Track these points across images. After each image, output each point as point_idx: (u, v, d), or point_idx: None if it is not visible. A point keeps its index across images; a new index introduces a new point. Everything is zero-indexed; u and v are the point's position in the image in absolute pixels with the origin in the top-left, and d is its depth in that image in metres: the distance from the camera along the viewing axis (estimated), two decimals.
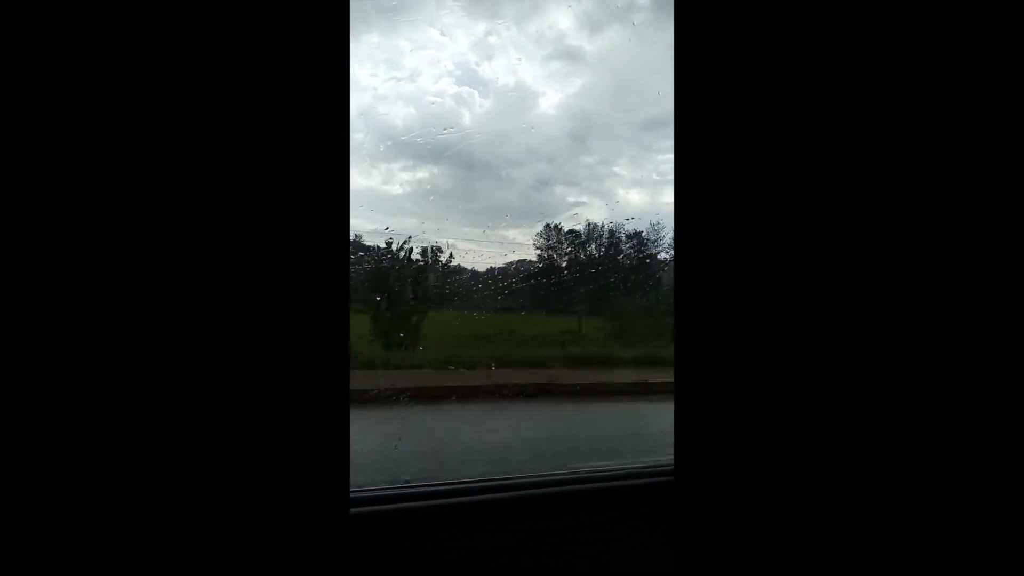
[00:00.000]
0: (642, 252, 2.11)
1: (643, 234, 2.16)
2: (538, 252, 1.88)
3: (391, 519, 0.85)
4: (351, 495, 0.76)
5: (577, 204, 2.00)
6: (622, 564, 0.98)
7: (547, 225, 1.82)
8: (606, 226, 2.07)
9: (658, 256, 2.16)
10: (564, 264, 2.00)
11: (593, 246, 2.13)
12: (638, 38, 1.14)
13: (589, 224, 2.02)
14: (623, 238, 2.15)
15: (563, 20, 1.47)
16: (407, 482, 0.94)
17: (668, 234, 2.17)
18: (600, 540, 0.98)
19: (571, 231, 1.99)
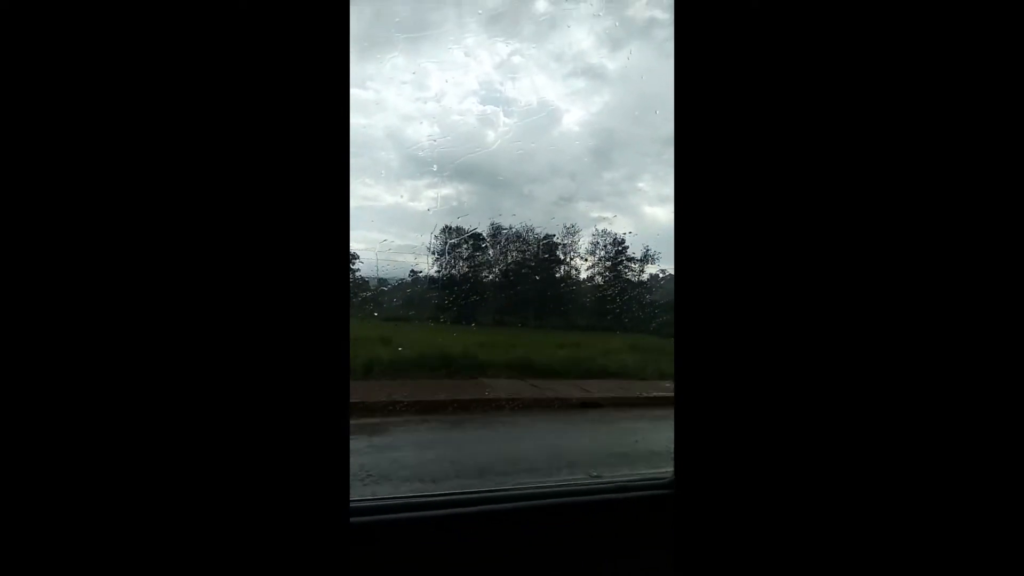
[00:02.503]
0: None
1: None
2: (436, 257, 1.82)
3: (390, 529, 0.86)
4: (351, 505, 0.77)
5: (600, 219, 2.01)
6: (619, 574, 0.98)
7: (446, 228, 1.79)
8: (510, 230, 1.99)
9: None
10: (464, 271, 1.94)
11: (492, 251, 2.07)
12: (659, 53, 1.15)
13: (493, 226, 1.96)
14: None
15: (584, 39, 1.49)
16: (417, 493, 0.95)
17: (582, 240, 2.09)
18: (597, 551, 0.99)
19: (475, 234, 1.96)
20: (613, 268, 2.11)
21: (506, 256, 2.28)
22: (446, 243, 2.04)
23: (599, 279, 2.15)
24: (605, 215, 1.94)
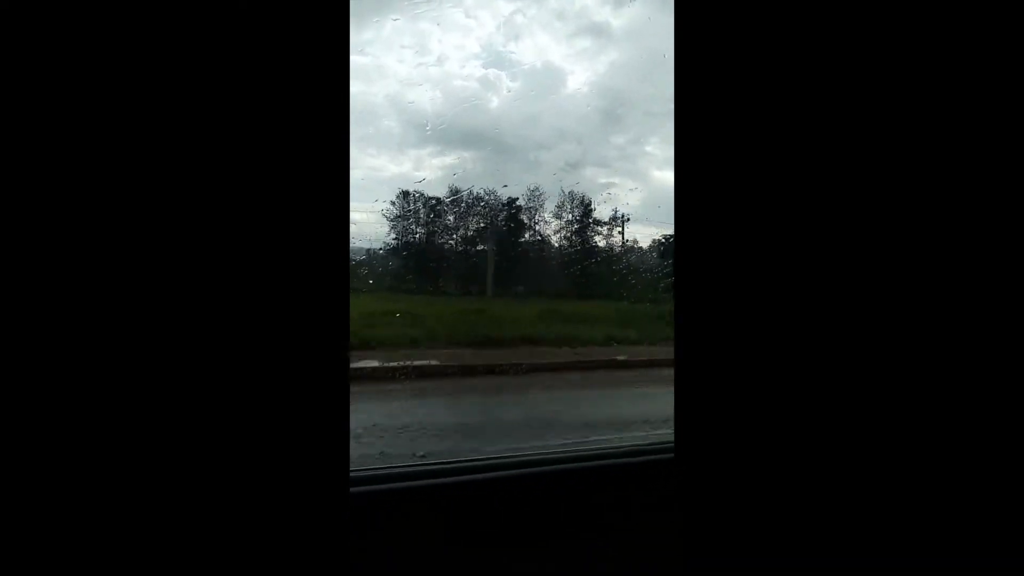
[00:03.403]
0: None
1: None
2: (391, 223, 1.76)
3: (391, 498, 0.87)
4: (351, 475, 0.78)
5: (609, 185, 1.95)
6: (627, 539, 1.00)
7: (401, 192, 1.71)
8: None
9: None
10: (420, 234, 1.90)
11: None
12: (665, 8, 1.10)
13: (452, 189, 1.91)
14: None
15: None
16: (420, 457, 0.96)
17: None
18: (603, 516, 1.01)
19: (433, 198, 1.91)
20: (580, 232, 2.10)
21: (465, 222, 2.20)
22: (404, 208, 1.93)
23: (566, 243, 2.13)
24: (613, 180, 1.90)
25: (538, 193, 2.13)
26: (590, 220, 2.07)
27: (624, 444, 1.11)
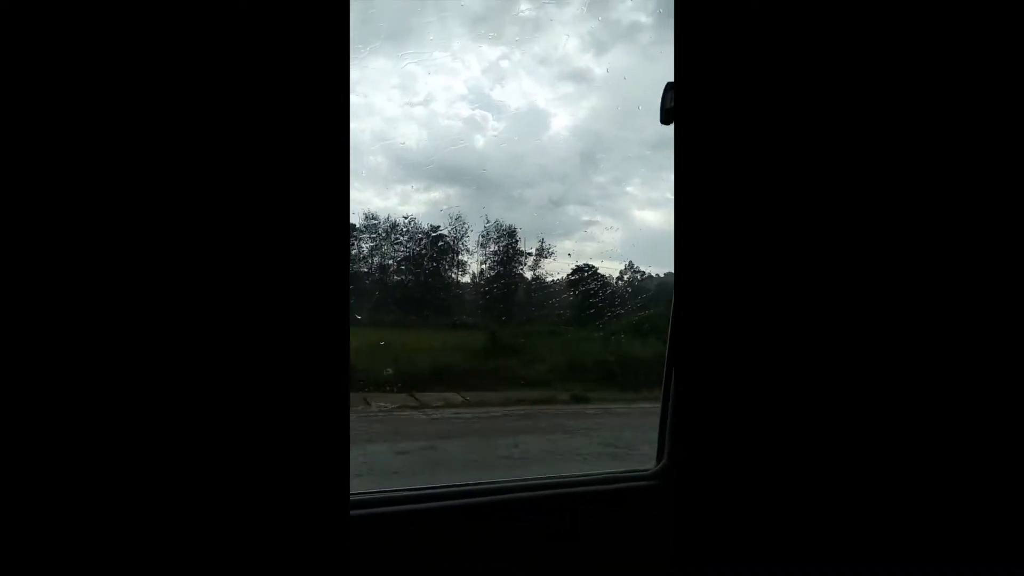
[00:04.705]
0: None
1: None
2: None
3: (390, 521, 0.89)
4: (351, 498, 0.78)
5: (590, 223, 1.97)
6: (617, 558, 1.08)
7: None
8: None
9: None
10: None
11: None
12: (644, 57, 1.21)
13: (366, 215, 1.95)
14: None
15: (568, 41, 1.45)
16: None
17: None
18: (589, 538, 1.07)
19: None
20: (505, 262, 2.12)
21: (381, 249, 2.09)
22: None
23: (488, 273, 2.13)
24: (596, 219, 1.93)
25: (462, 220, 2.11)
26: (513, 251, 2.10)
27: (604, 472, 1.18)
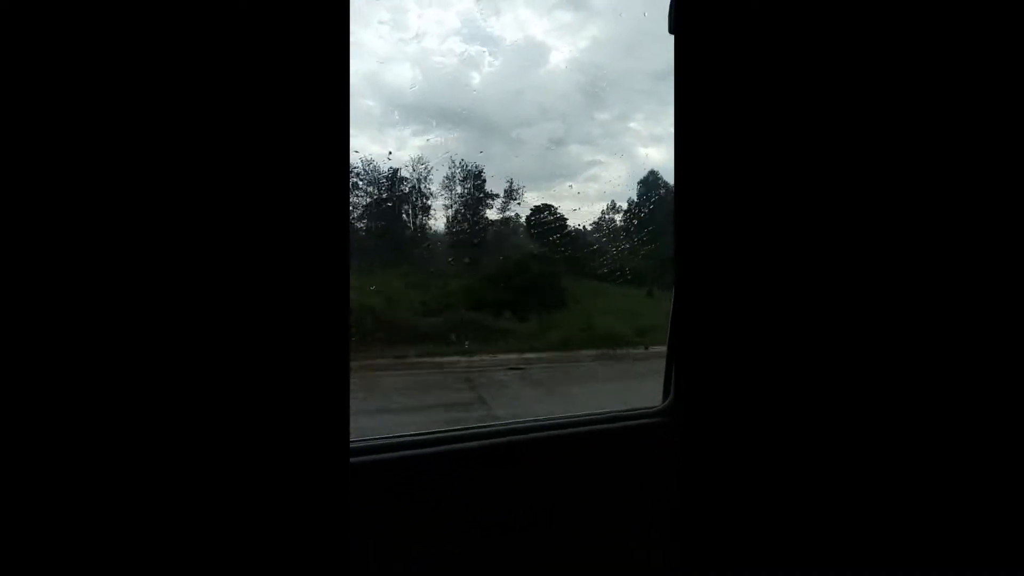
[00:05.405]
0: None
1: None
2: None
3: (389, 467, 0.90)
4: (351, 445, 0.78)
5: (593, 163, 1.83)
6: (621, 496, 1.10)
7: None
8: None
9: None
10: None
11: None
12: None
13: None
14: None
15: None
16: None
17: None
18: (594, 479, 1.10)
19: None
20: (472, 205, 2.03)
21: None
22: None
23: (456, 217, 2.04)
24: (599, 158, 1.82)
25: (424, 161, 1.98)
26: (482, 193, 2.02)
27: (609, 411, 1.18)
